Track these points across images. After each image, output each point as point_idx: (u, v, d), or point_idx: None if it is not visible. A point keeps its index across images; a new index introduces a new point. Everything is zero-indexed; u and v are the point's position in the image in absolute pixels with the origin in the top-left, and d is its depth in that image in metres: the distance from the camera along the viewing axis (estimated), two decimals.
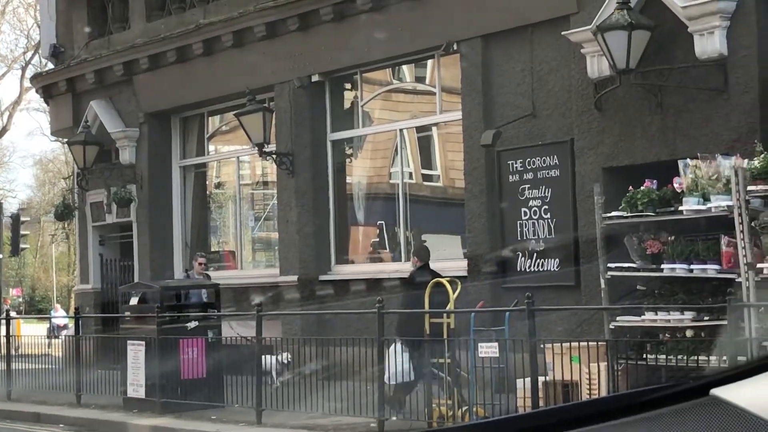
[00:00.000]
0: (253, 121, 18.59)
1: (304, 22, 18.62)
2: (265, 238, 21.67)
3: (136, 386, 16.02)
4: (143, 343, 16.00)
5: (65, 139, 26.16)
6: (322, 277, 18.80)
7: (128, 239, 22.71)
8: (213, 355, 15.83)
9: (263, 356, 15.32)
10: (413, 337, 13.73)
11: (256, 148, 18.78)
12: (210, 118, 22.15)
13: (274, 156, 19.16)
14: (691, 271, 11.76)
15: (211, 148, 22.41)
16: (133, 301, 17.04)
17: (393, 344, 13.92)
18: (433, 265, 15.03)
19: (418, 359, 13.79)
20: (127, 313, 17.08)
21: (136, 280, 20.98)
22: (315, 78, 18.88)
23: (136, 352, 16.10)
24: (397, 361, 13.78)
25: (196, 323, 15.98)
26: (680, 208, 11.84)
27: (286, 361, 16.34)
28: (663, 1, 13.45)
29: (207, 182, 22.63)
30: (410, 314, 14.06)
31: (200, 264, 18.89)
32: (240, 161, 21.67)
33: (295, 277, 18.94)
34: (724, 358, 10.32)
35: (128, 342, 16.34)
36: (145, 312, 16.38)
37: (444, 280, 13.97)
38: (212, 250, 22.48)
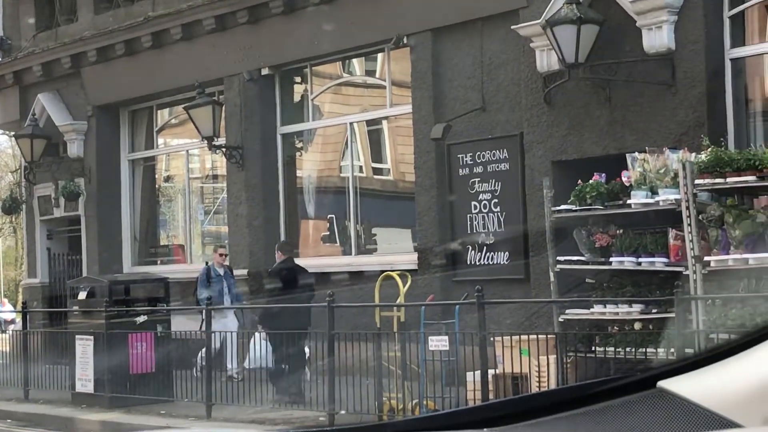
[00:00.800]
0: (203, 114, 18.49)
1: (254, 14, 18.55)
2: (214, 232, 21.58)
3: (85, 381, 15.91)
4: (92, 337, 15.89)
5: (12, 133, 25.88)
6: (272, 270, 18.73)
7: (76, 233, 22.54)
8: (162, 349, 15.75)
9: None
10: (275, 327, 14.77)
11: (206, 142, 18.69)
12: (159, 111, 22.01)
13: (224, 149, 19.08)
14: (640, 264, 11.84)
15: (160, 141, 22.27)
16: (82, 295, 16.92)
17: (256, 334, 15.51)
18: (383, 258, 15.09)
19: (278, 349, 14.88)
20: (75, 308, 16.95)
21: (84, 274, 20.84)
22: (265, 71, 18.82)
23: (84, 347, 15.99)
24: (256, 348, 15.23)
25: (145, 317, 15.89)
26: (628, 201, 11.92)
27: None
28: None
29: (156, 176, 22.49)
30: (272, 306, 14.95)
31: (221, 255, 18.24)
32: (189, 155, 21.56)
33: (245, 271, 18.88)
34: (672, 350, 10.40)
35: (76, 336, 16.22)
36: (94, 306, 16.27)
37: (394, 274, 14.00)
38: (161, 244, 22.37)
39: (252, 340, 15.82)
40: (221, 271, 17.93)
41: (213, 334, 15.32)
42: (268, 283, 15.93)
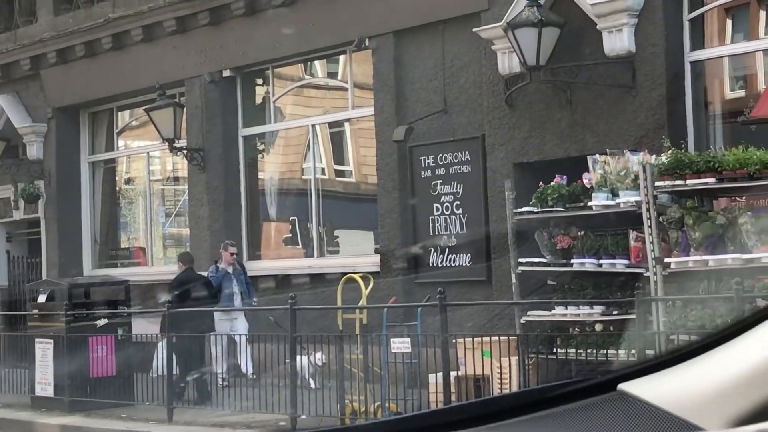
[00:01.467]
0: (164, 116, 18.41)
1: (215, 16, 18.49)
2: (176, 234, 21.48)
3: (44, 385, 15.79)
4: (51, 341, 15.77)
5: None
6: None
7: (36, 236, 22.38)
8: (122, 352, 15.66)
9: (298, 356, 13.86)
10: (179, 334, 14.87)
11: (167, 144, 18.61)
12: (119, 113, 21.89)
13: (185, 152, 19.00)
14: (600, 265, 11.90)
15: (121, 143, 22.15)
16: (41, 298, 16.81)
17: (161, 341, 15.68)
18: (345, 260, 15.09)
19: (184, 357, 15.10)
20: (35, 311, 16.83)
21: (44, 277, 20.69)
22: (226, 73, 18.76)
23: (44, 351, 15.87)
24: (159, 356, 15.63)
25: (105, 321, 15.80)
26: (589, 203, 11.97)
27: (321, 363, 14.66)
28: None
29: (117, 178, 22.37)
30: (173, 314, 14.93)
31: (232, 254, 17.15)
32: (150, 157, 21.45)
33: (205, 273, 18.78)
34: (633, 351, 10.45)
35: (36, 340, 16.10)
36: (53, 309, 16.16)
37: (356, 276, 13.99)
38: (122, 246, 22.24)
39: (156, 348, 16.34)
40: (230, 270, 17.11)
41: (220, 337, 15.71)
42: (169, 293, 16.07)
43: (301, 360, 14.22)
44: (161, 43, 19.52)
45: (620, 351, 10.83)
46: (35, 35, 21.75)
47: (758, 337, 1.91)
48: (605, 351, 11.06)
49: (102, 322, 15.78)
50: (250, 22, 18.09)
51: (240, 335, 16.43)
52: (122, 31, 19.98)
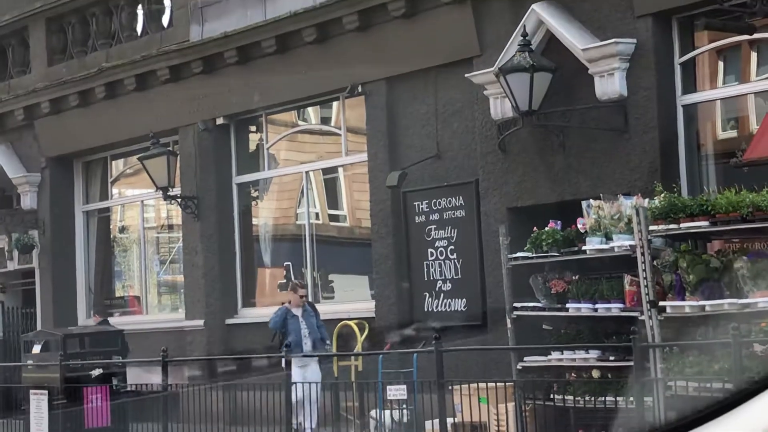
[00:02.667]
0: (157, 164, 18.41)
1: (208, 65, 18.54)
2: (170, 282, 21.44)
3: None
4: (46, 392, 15.69)
5: None
6: (229, 321, 18.64)
7: (30, 286, 22.31)
8: (117, 402, 15.58)
9: (377, 411, 13.18)
10: None
11: (161, 192, 18.60)
12: (113, 161, 21.89)
13: (179, 200, 19.00)
14: (596, 310, 11.87)
15: (115, 192, 22.14)
16: (36, 349, 16.73)
17: None
18: (340, 306, 15.00)
19: None
20: (30, 362, 16.75)
21: (38, 327, 20.61)
22: (219, 121, 18.79)
23: (38, 402, 15.78)
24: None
25: (100, 371, 15.74)
26: (584, 247, 11.95)
27: (406, 419, 13.45)
28: (564, 43, 13.63)
29: (111, 226, 22.34)
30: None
31: (302, 297, 15.69)
32: (144, 205, 21.44)
33: (201, 321, 18.75)
34: (632, 399, 10.40)
35: (30, 391, 16.02)
36: (48, 360, 16.09)
37: (352, 323, 13.96)
38: (117, 295, 22.17)
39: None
40: (299, 312, 15.54)
41: (295, 385, 13.75)
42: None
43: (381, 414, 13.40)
44: (154, 91, 19.56)
45: (618, 398, 10.77)
46: (29, 85, 21.79)
47: None
48: (603, 398, 10.99)
49: (96, 372, 15.72)
50: (242, 70, 18.14)
51: (312, 384, 14.50)
52: (115, 80, 20.02)
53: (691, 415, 2.03)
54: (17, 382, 17.48)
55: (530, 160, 14.27)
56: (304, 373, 14.60)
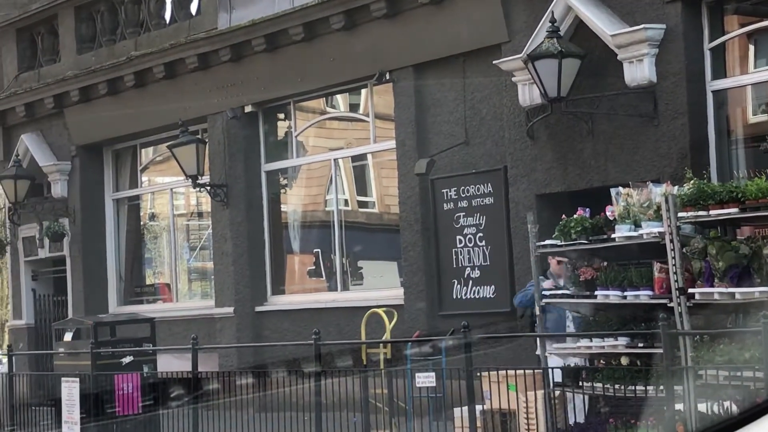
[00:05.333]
0: (186, 152, 18.48)
1: (237, 53, 18.56)
2: (200, 269, 21.53)
3: (71, 424, 15.77)
4: (77, 379, 15.78)
5: None
6: (258, 308, 18.70)
7: (62, 274, 22.45)
8: (148, 390, 15.65)
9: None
10: None
11: (190, 180, 18.67)
12: (143, 150, 21.99)
13: (208, 188, 19.06)
14: (625, 297, 11.79)
15: (144, 180, 22.24)
16: (67, 337, 16.83)
17: None
18: (369, 294, 15.00)
19: None
20: (61, 350, 16.86)
21: (69, 315, 20.75)
22: (248, 108, 18.82)
23: (70, 389, 15.87)
24: None
25: (131, 358, 15.81)
26: (612, 235, 11.89)
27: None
28: (592, 29, 13.57)
29: (141, 214, 22.45)
30: None
31: (559, 263, 13.02)
32: (174, 193, 21.52)
33: (231, 309, 18.82)
34: (662, 387, 10.37)
35: (62, 379, 16.11)
36: (79, 348, 16.19)
37: (380, 311, 13.97)
38: (147, 283, 22.28)
39: None
40: (561, 283, 12.92)
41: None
42: None
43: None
44: (183, 79, 19.62)
45: (648, 387, 10.73)
46: (58, 74, 21.90)
47: None
48: (633, 387, 10.95)
49: (127, 359, 15.79)
50: (271, 58, 18.16)
51: None
52: (144, 68, 20.09)
53: (738, 415, 2.02)
54: (49, 369, 17.59)
55: (559, 146, 14.23)
56: None
